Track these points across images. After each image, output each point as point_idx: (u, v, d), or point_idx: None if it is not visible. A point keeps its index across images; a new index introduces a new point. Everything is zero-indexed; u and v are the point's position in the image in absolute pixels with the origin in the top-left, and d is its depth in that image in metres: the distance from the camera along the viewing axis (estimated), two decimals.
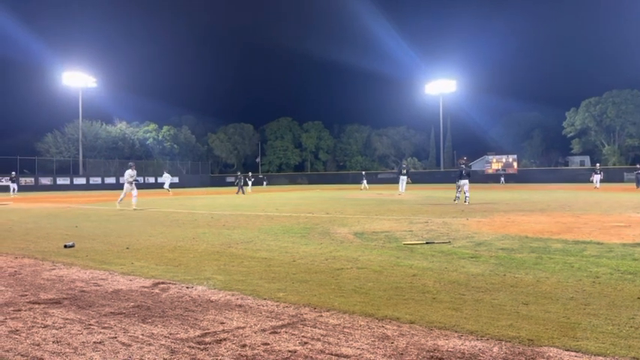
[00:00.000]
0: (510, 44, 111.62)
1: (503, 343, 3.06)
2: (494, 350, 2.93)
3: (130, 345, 3.12)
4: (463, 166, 20.24)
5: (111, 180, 58.64)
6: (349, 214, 13.33)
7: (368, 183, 43.67)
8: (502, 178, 55.63)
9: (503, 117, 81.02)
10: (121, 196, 18.35)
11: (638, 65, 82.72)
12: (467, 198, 18.30)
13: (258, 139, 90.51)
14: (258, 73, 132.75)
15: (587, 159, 71.75)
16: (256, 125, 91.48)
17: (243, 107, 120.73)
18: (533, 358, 2.81)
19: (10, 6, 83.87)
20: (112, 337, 3.27)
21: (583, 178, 45.04)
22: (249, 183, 42.06)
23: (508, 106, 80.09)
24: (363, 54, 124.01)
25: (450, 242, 7.54)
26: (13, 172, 40.18)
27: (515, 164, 61.00)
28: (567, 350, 2.91)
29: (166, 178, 35.27)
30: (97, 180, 57.63)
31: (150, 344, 3.13)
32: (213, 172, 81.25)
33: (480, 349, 2.96)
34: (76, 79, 58.10)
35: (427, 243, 7.45)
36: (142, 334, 3.33)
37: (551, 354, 2.86)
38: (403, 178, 26.89)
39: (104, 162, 65.95)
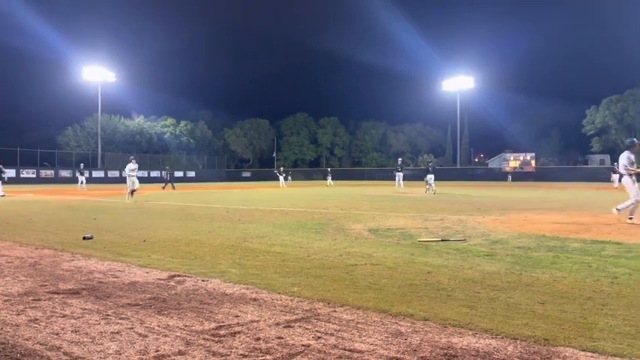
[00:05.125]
0: (529, 41, 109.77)
1: (518, 342, 3.03)
2: (509, 349, 2.91)
3: (146, 336, 3.16)
4: (430, 164, 27.59)
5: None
6: (364, 211, 13.31)
7: (383, 180, 43.51)
8: (509, 176, 55.14)
9: (521, 114, 79.94)
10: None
11: None
12: (433, 189, 24.21)
13: (274, 135, 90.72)
14: (274, 69, 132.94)
15: (607, 158, 70.50)
16: (272, 121, 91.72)
17: (260, 103, 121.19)
18: (549, 357, 2.78)
19: (32, 2, 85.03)
20: (129, 328, 3.32)
21: (603, 177, 44.25)
22: (289, 178, 40.47)
23: (526, 104, 79.03)
24: (379, 50, 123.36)
25: (465, 240, 7.49)
26: (82, 164, 38.58)
27: (532, 162, 60.18)
28: (583, 350, 2.88)
29: None
30: (115, 173, 58.27)
31: (166, 335, 3.17)
32: (229, 167, 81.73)
33: (494, 347, 2.94)
34: (96, 74, 58.85)
35: (442, 240, 7.41)
36: (158, 326, 3.37)
37: (567, 354, 2.83)
38: (400, 175, 29.07)
39: (122, 155, 66.71)
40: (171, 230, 8.93)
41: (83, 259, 6.03)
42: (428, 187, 24.55)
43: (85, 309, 3.80)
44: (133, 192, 18.05)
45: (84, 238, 7.70)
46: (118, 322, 3.45)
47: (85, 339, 3.11)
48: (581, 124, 71.33)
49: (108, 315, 3.63)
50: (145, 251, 6.58)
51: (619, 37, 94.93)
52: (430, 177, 24.83)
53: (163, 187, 33.01)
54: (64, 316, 3.61)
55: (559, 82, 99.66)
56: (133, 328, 3.32)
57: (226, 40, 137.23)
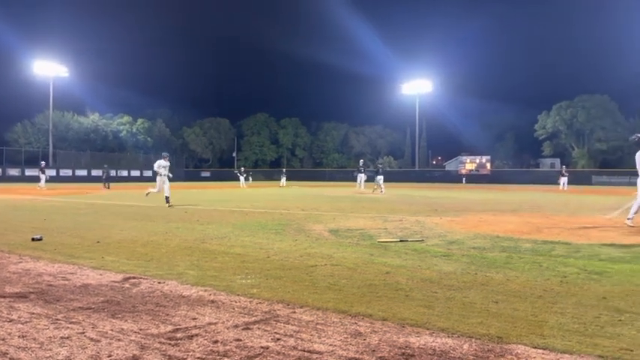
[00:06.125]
0: (484, 47, 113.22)
1: (473, 340, 3.11)
2: (465, 347, 2.98)
3: (98, 340, 3.05)
4: (380, 166, 30.63)
5: (82, 172, 57.34)
6: (325, 211, 13.34)
7: (344, 181, 43.83)
8: (464, 179, 56.86)
9: (477, 118, 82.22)
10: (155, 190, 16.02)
11: (608, 71, 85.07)
12: (382, 189, 26.10)
13: (234, 134, 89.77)
14: (235, 69, 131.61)
15: (557, 161, 73.43)
16: (233, 120, 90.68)
17: (220, 102, 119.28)
18: (502, 355, 2.86)
19: None
20: (80, 333, 3.20)
21: (553, 180, 46.02)
22: (249, 178, 40.42)
23: (482, 108, 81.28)
24: (340, 52, 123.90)
25: (423, 240, 7.62)
26: (43, 162, 36.01)
27: (488, 165, 61.99)
28: (535, 347, 2.98)
29: None
30: (68, 172, 56.21)
31: (119, 340, 3.07)
32: (188, 167, 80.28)
33: (450, 346, 3.00)
34: (47, 69, 56.54)
35: (401, 241, 7.52)
36: (112, 330, 3.27)
37: (519, 351, 2.92)
38: (361, 176, 30.19)
39: (75, 154, 64.44)
40: (126, 231, 8.69)
41: (32, 261, 5.78)
42: (377, 187, 26.59)
43: (33, 313, 3.63)
44: (167, 198, 15.34)
45: (33, 239, 7.38)
46: (68, 327, 3.32)
47: (33, 344, 2.97)
48: (533, 128, 73.95)
49: (57, 319, 3.49)
50: (99, 253, 6.37)
51: (570, 45, 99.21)
52: (379, 178, 27.06)
53: (107, 187, 32.12)
54: (11, 320, 3.45)
55: (514, 87, 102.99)
56: (84, 333, 3.20)
57: (185, 37, 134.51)
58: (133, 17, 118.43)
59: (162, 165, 15.56)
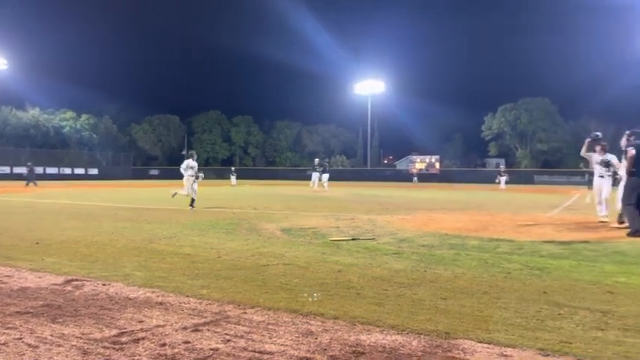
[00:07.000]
0: (433, 50, 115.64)
1: (422, 336, 3.17)
2: (414, 344, 3.03)
3: (37, 346, 2.90)
4: (326, 164, 31.99)
5: (21, 170, 54.46)
6: (277, 210, 13.28)
7: (298, 179, 43.81)
8: (415, 178, 58.18)
9: (427, 119, 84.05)
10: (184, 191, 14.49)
11: (549, 75, 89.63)
12: (326, 186, 28.00)
13: (184, 132, 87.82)
14: (185, 65, 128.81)
15: (502, 161, 76.27)
16: (183, 117, 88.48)
17: (170, 98, 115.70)
18: (449, 350, 2.93)
19: None
20: (17, 339, 3.03)
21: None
22: (199, 177, 39.74)
23: (432, 109, 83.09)
24: (293, 51, 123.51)
25: (374, 239, 7.71)
26: None
27: (437, 164, 63.56)
28: (480, 342, 3.07)
29: None
30: (5, 169, 53.34)
31: (59, 345, 2.93)
32: (136, 165, 77.90)
33: (400, 342, 3.05)
34: None
35: (353, 239, 7.58)
36: (51, 335, 3.11)
37: (465, 346, 3.00)
38: (316, 175, 30.29)
39: (14, 150, 61.18)
40: (69, 231, 8.32)
41: None
42: (325, 184, 28.10)
43: None
44: (193, 200, 14.05)
45: None
46: (4, 333, 3.14)
47: None
48: (480, 129, 76.52)
49: None
50: (38, 254, 6.07)
51: (514, 49, 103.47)
52: (325, 176, 28.66)
53: (27, 185, 30.52)
54: None
55: (462, 89, 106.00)
56: (21, 339, 3.03)
57: (133, 32, 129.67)
58: (78, 10, 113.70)
59: (190, 165, 14.60)
